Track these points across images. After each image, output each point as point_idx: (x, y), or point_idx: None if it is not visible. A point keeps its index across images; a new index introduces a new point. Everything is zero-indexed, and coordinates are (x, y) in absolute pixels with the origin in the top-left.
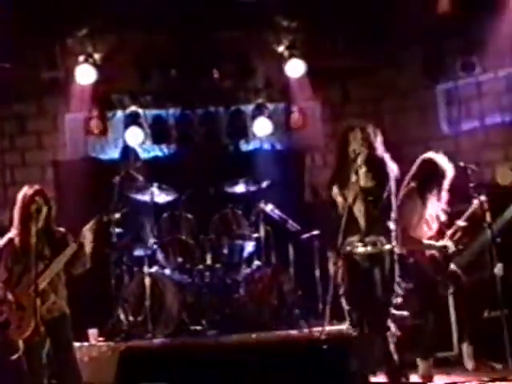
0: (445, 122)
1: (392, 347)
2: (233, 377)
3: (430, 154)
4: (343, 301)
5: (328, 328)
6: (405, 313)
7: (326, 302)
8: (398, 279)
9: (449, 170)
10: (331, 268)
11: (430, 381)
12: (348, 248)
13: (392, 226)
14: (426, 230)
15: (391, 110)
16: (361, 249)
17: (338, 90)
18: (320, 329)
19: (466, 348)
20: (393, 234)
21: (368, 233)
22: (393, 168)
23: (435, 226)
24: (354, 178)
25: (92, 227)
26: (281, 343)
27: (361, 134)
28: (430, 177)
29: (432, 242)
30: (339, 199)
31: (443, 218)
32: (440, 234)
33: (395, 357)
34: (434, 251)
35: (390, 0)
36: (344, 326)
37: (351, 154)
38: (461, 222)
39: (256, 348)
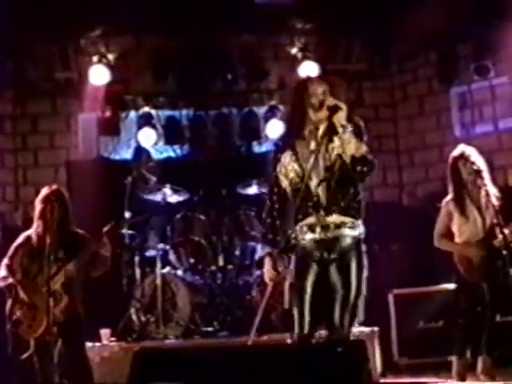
0: (458, 126)
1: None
2: (245, 379)
3: (460, 150)
4: (293, 307)
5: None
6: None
7: (259, 310)
8: (365, 275)
9: (481, 164)
10: (267, 270)
11: (464, 380)
12: (300, 236)
13: (362, 208)
14: (479, 227)
15: (405, 115)
16: (318, 234)
17: (352, 93)
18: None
19: (482, 361)
20: (360, 217)
21: (330, 212)
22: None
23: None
24: (313, 144)
25: (109, 232)
26: (293, 345)
27: (324, 87)
28: (461, 177)
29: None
30: (292, 171)
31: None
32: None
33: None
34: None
35: (404, 4)
36: (356, 329)
37: (311, 113)
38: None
39: (268, 350)
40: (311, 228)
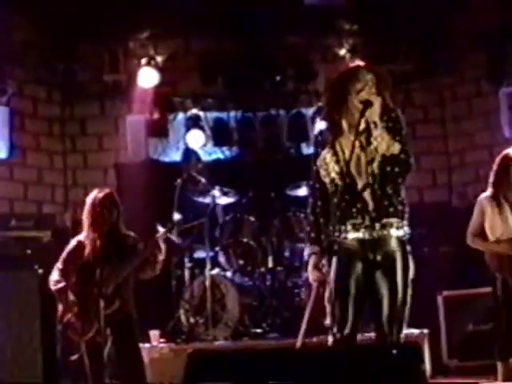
0: (507, 126)
1: None
2: (296, 380)
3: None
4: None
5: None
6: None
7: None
8: (411, 277)
9: None
10: (310, 271)
11: None
12: (343, 235)
13: (406, 207)
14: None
15: (454, 116)
16: (362, 233)
17: (400, 94)
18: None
19: None
20: (405, 216)
21: (379, 216)
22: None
23: None
24: (351, 137)
25: (163, 236)
26: (344, 347)
27: (371, 77)
28: (509, 178)
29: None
30: (333, 171)
31: None
32: None
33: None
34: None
35: (451, 5)
36: (412, 330)
37: (354, 100)
38: None
39: (318, 351)
40: (355, 227)
